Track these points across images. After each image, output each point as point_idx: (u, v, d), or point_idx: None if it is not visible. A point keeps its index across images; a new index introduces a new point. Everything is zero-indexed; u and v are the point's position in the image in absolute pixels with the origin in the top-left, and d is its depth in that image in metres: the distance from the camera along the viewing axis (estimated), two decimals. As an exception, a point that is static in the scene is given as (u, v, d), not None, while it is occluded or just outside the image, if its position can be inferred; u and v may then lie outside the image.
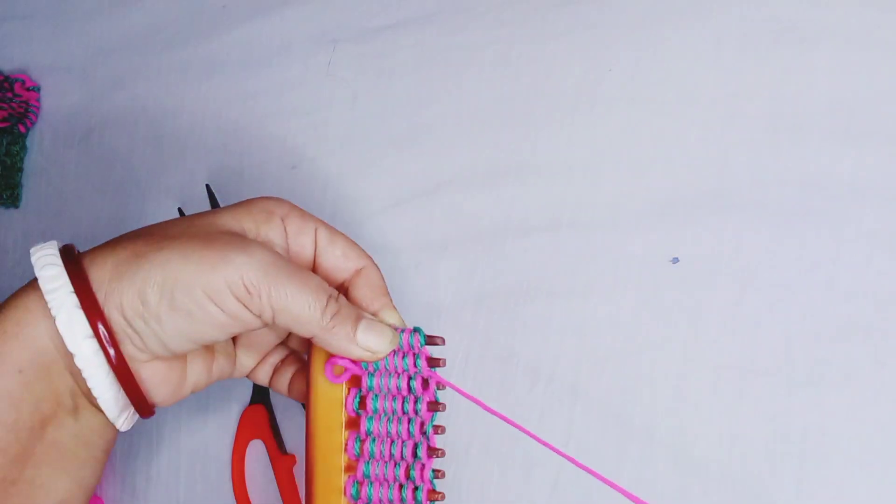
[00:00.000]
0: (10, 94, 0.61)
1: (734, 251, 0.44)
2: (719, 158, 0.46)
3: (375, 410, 0.37)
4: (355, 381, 0.38)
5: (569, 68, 0.49)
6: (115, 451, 0.57)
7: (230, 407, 0.53)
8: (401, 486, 0.37)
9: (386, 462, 0.37)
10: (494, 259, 0.49)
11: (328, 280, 0.38)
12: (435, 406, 0.37)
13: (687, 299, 0.45)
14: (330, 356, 0.37)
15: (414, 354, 0.37)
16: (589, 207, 0.48)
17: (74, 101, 0.62)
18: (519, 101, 0.50)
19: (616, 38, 0.49)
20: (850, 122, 0.44)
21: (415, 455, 0.37)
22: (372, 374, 0.37)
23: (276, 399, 0.52)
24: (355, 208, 0.53)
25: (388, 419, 0.37)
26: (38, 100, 0.63)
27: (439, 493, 0.37)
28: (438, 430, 0.38)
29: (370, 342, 0.36)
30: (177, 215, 0.56)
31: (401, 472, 0.37)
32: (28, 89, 0.62)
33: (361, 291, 0.39)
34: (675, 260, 0.45)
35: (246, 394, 0.53)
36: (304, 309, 0.35)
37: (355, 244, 0.40)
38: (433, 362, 0.37)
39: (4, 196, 0.61)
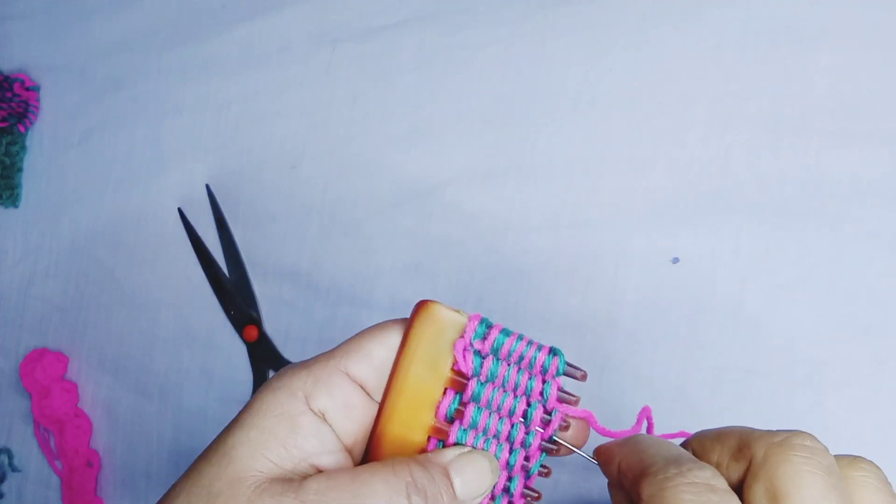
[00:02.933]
0: (9, 94, 0.61)
1: (734, 251, 0.44)
2: (719, 158, 0.46)
3: (474, 424, 0.30)
4: (456, 384, 0.30)
5: (569, 68, 0.49)
6: (115, 451, 0.57)
7: (230, 407, 0.53)
8: None
9: None
10: (494, 259, 0.49)
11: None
12: (548, 446, 0.30)
13: (687, 299, 0.45)
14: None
15: (544, 380, 0.30)
16: (589, 207, 0.48)
17: (74, 101, 0.62)
18: (519, 101, 0.50)
19: (616, 38, 0.49)
20: (850, 122, 0.44)
21: (506, 490, 0.31)
22: (483, 384, 0.30)
23: (276, 399, 0.52)
24: (355, 208, 0.53)
25: (486, 440, 0.30)
26: (37, 100, 0.63)
27: None
28: (543, 472, 0.31)
29: (472, 486, 0.28)
30: (177, 215, 0.56)
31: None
32: (28, 89, 0.62)
33: None
34: (675, 260, 0.45)
35: (246, 394, 0.53)
36: None
37: None
38: (563, 396, 0.30)
39: (4, 196, 0.61)
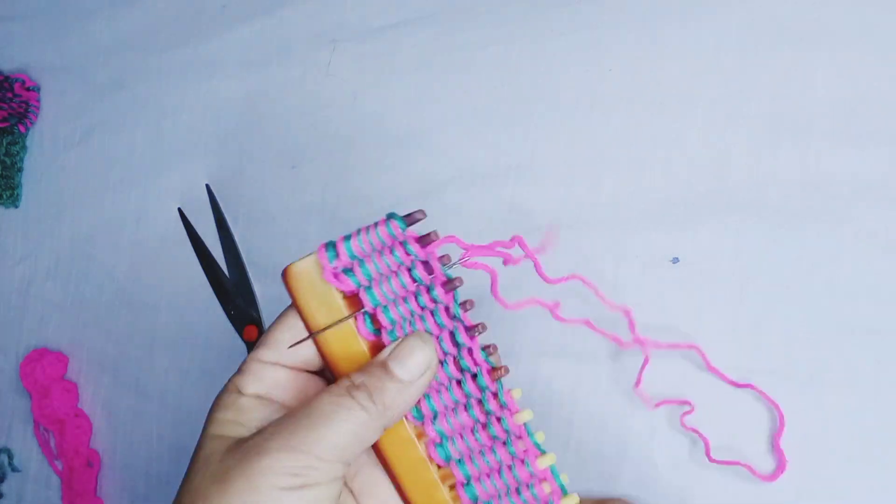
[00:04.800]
0: (10, 94, 0.61)
1: (734, 251, 0.44)
2: (719, 158, 0.46)
3: (393, 322, 0.32)
4: (356, 304, 0.32)
5: (569, 68, 0.49)
6: (116, 451, 0.57)
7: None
8: (466, 402, 0.33)
9: (440, 388, 0.33)
10: (494, 259, 0.49)
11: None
12: (451, 284, 0.32)
13: (687, 299, 0.45)
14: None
15: (400, 243, 0.32)
16: (589, 207, 0.48)
17: (74, 101, 0.62)
18: (519, 101, 0.50)
19: (616, 38, 0.49)
20: (850, 122, 0.44)
21: (456, 343, 0.32)
22: (370, 288, 0.32)
23: (276, 399, 0.52)
24: (355, 208, 0.53)
25: (411, 322, 0.32)
26: (38, 100, 0.63)
27: (500, 367, 0.33)
28: (467, 305, 0.33)
29: (411, 366, 0.31)
30: (177, 215, 0.56)
31: (452, 369, 0.32)
32: (28, 89, 0.62)
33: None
34: (675, 260, 0.45)
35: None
36: (349, 433, 0.29)
37: None
38: (424, 240, 0.32)
39: (4, 196, 0.62)
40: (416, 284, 0.32)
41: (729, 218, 0.45)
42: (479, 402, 0.33)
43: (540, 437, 0.32)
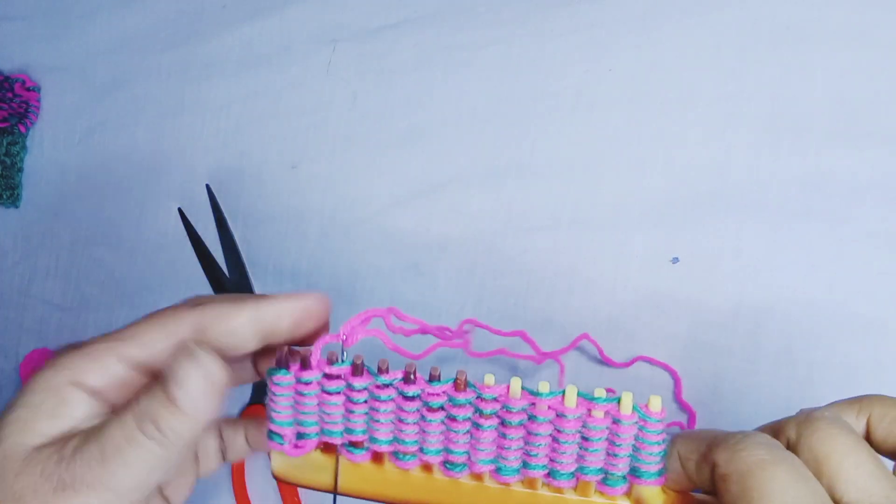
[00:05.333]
0: (10, 94, 0.61)
1: (734, 251, 0.44)
2: (719, 158, 0.46)
3: (365, 433, 0.32)
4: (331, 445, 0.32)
5: (569, 68, 0.49)
6: (115, 451, 0.57)
7: (230, 407, 0.53)
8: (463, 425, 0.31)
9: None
10: (494, 259, 0.49)
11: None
12: (356, 368, 0.31)
13: (687, 299, 0.45)
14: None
15: (299, 382, 0.31)
16: (589, 207, 0.48)
17: (74, 101, 0.62)
18: (519, 101, 0.50)
19: (616, 38, 0.49)
20: (850, 122, 0.44)
21: (411, 398, 0.31)
22: (323, 430, 0.32)
23: (276, 399, 0.52)
24: (355, 208, 0.53)
25: (377, 421, 0.31)
26: (38, 100, 0.63)
27: (458, 375, 0.31)
28: (381, 366, 0.31)
29: (192, 392, 0.28)
30: (177, 215, 0.56)
31: (430, 415, 0.31)
32: (28, 89, 0.62)
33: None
34: (675, 260, 0.45)
35: (246, 394, 0.53)
36: (143, 470, 0.28)
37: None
38: (304, 362, 0.31)
39: (4, 196, 0.61)
40: (338, 394, 0.31)
41: (729, 218, 0.45)
42: (476, 416, 0.31)
43: (544, 387, 0.30)
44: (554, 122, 0.49)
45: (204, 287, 0.55)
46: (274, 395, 0.31)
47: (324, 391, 0.31)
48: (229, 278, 0.55)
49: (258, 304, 0.30)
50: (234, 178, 0.56)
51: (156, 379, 0.29)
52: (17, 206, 0.63)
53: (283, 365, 0.31)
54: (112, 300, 0.59)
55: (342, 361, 0.31)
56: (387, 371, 0.31)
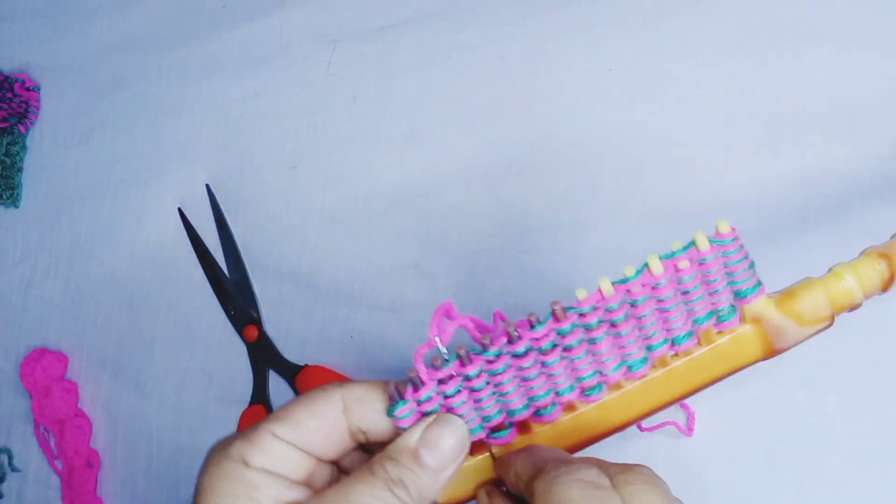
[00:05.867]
0: (10, 94, 0.61)
1: (734, 251, 0.44)
2: (719, 158, 0.46)
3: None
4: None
5: (569, 68, 0.49)
6: (115, 451, 0.57)
7: (230, 407, 0.53)
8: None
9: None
10: (494, 259, 0.49)
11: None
12: (467, 356, 0.31)
13: (687, 299, 0.45)
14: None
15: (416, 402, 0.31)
16: (589, 207, 0.48)
17: (74, 101, 0.62)
18: (519, 101, 0.50)
19: (616, 38, 0.49)
20: (850, 122, 0.44)
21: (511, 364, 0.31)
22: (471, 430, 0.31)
23: (275, 399, 0.52)
24: (355, 208, 0.53)
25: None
26: (37, 100, 0.63)
27: (530, 315, 0.31)
28: (485, 341, 0.31)
29: (443, 453, 0.29)
30: (177, 215, 0.56)
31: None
32: (28, 89, 0.62)
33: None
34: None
35: (246, 394, 0.53)
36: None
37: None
38: (414, 382, 0.31)
39: (4, 196, 0.61)
40: (460, 393, 0.31)
41: (729, 218, 0.45)
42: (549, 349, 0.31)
43: (629, 271, 0.31)
44: (554, 122, 0.49)
45: (204, 287, 0.55)
46: (403, 429, 0.31)
47: (445, 398, 0.31)
48: (229, 278, 0.55)
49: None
50: (234, 178, 0.56)
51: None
52: (17, 206, 0.63)
53: (398, 398, 0.31)
54: (112, 300, 0.59)
55: (447, 362, 0.31)
56: (491, 344, 0.31)
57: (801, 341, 0.32)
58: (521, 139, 0.50)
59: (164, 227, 0.58)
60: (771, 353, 0.32)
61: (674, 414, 0.44)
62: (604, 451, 0.44)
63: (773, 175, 0.45)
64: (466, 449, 0.30)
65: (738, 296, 0.31)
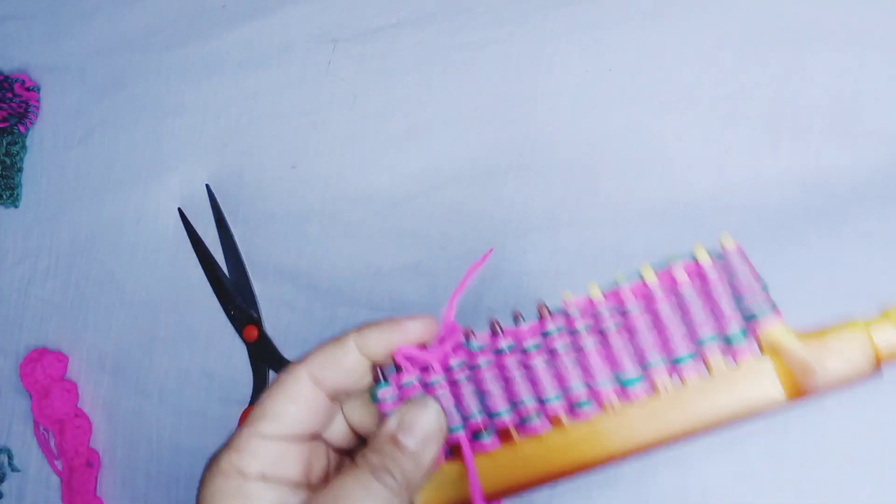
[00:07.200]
0: (10, 94, 0.61)
1: (734, 251, 0.44)
2: (719, 158, 0.46)
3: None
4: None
5: (569, 68, 0.49)
6: (115, 451, 0.57)
7: (230, 407, 0.53)
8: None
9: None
10: (494, 259, 0.49)
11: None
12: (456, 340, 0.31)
13: (687, 299, 0.45)
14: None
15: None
16: (589, 207, 0.48)
17: (74, 101, 0.62)
18: (519, 101, 0.50)
19: (616, 38, 0.49)
20: (850, 122, 0.44)
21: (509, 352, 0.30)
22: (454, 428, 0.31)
23: (276, 399, 0.52)
24: (355, 208, 0.53)
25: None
26: (38, 100, 0.63)
27: (540, 307, 0.30)
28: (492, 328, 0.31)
29: (419, 434, 0.30)
30: (177, 215, 0.56)
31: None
32: (28, 89, 0.62)
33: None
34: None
35: (246, 394, 0.53)
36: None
37: None
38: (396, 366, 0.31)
39: (4, 196, 0.61)
40: (440, 386, 0.31)
41: (729, 218, 0.45)
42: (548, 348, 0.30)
43: (620, 279, 0.30)
44: (554, 122, 0.49)
45: (204, 287, 0.55)
46: (386, 414, 0.31)
47: (426, 386, 0.30)
48: (229, 278, 0.55)
49: (362, 338, 0.31)
50: (234, 178, 0.56)
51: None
52: (17, 206, 0.63)
53: (380, 379, 0.31)
54: (112, 300, 0.59)
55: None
56: (473, 336, 0.30)
57: (836, 385, 0.29)
58: (522, 139, 0.50)
59: (164, 227, 0.58)
60: (797, 393, 0.28)
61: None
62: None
63: (772, 175, 0.45)
64: (444, 429, 0.30)
65: (748, 318, 0.28)
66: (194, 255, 0.56)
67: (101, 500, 0.57)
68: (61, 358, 0.59)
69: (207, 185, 0.56)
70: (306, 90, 0.55)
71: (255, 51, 0.57)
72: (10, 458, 0.61)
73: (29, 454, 0.60)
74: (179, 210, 0.57)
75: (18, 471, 0.60)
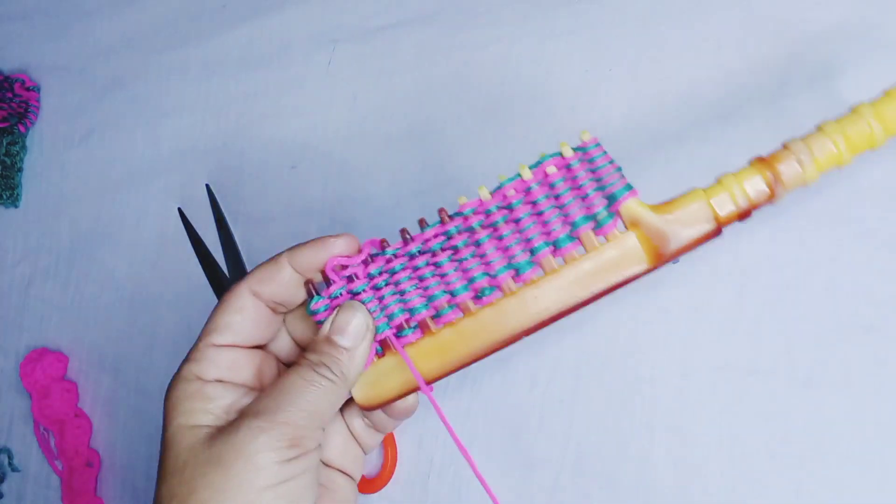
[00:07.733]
0: (10, 94, 0.62)
1: (734, 251, 0.44)
2: (719, 159, 0.46)
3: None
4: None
5: (569, 68, 0.49)
6: (115, 451, 0.57)
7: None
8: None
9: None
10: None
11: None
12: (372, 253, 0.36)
13: (687, 299, 0.45)
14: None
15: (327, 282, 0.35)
16: (589, 207, 0.48)
17: (74, 101, 0.62)
18: (519, 101, 0.50)
19: (616, 38, 0.49)
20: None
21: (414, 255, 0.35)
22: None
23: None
24: (355, 208, 0.53)
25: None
26: (38, 100, 0.63)
27: (440, 211, 0.35)
28: (405, 234, 0.35)
29: (351, 333, 0.34)
30: (177, 215, 0.56)
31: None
32: (28, 89, 0.62)
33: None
34: (675, 260, 0.45)
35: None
36: (325, 403, 0.34)
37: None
38: (325, 279, 0.36)
39: (4, 196, 0.62)
40: (365, 292, 0.35)
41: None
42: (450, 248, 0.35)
43: (501, 178, 0.35)
44: (554, 122, 0.49)
45: (204, 287, 0.55)
46: (320, 323, 0.35)
47: (353, 295, 0.35)
48: (229, 278, 0.55)
49: (294, 256, 0.35)
50: (234, 178, 0.56)
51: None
52: (17, 206, 0.63)
53: (313, 294, 0.35)
54: (112, 300, 0.59)
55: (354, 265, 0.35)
56: (388, 245, 0.35)
57: (687, 246, 0.34)
58: (521, 139, 0.50)
59: (164, 227, 0.58)
60: (658, 258, 0.34)
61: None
62: (603, 448, 0.44)
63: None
64: (371, 327, 0.35)
65: (611, 199, 0.33)
66: (194, 255, 0.56)
67: (101, 500, 0.57)
68: (61, 358, 0.59)
69: (207, 185, 0.56)
70: (306, 90, 0.55)
71: (255, 51, 0.57)
72: (10, 458, 0.61)
73: (29, 454, 0.60)
74: (179, 210, 0.57)
75: (18, 471, 0.60)
